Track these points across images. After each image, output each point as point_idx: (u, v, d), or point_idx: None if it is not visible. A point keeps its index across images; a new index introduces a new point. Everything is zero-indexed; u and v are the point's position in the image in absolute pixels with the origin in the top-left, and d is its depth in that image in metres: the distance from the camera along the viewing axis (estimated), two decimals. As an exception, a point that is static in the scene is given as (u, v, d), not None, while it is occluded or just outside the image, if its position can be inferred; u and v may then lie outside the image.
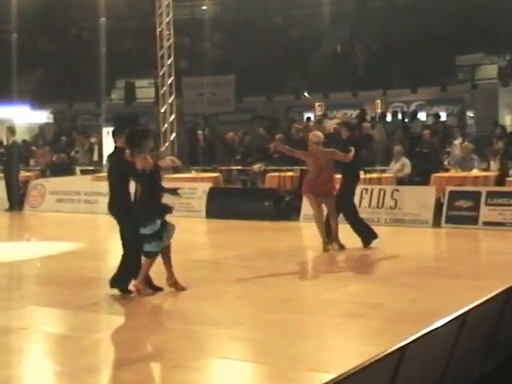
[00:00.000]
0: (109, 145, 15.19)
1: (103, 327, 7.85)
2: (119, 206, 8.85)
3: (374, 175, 16.21)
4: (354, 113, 25.86)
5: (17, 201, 18.38)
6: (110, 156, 9.42)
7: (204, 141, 22.90)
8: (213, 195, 16.23)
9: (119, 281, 8.91)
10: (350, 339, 7.00)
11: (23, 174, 19.83)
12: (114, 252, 9.95)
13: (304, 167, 14.44)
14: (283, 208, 15.59)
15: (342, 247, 11.75)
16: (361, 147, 12.56)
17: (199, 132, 23.68)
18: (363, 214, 13.67)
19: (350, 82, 27.63)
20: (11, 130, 18.94)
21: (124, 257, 8.94)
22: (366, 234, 11.92)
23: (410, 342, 5.41)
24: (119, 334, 7.44)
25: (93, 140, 23.50)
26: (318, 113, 26.21)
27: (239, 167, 19.83)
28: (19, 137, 21.21)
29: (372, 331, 7.19)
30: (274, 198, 15.68)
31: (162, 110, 21.69)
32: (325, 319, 7.73)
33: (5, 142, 18.80)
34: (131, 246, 8.82)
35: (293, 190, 16.01)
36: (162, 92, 21.83)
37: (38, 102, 31.77)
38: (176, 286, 9.02)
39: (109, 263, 10.24)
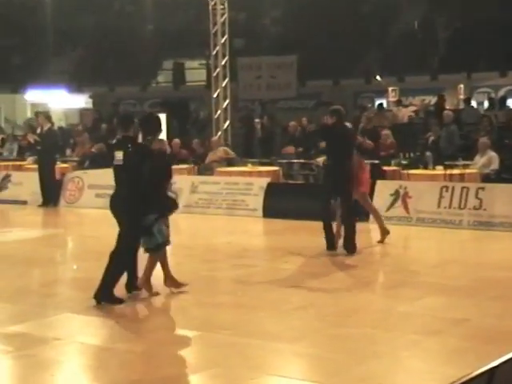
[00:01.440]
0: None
1: (145, 339, 7.87)
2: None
3: (456, 171, 16.00)
4: (433, 99, 25.59)
5: (52, 195, 18.52)
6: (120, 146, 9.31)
7: (261, 130, 22.92)
8: (271, 192, 16.21)
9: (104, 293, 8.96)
10: (427, 359, 6.92)
11: (59, 165, 19.96)
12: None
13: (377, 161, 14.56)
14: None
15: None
16: (338, 137, 12.13)
17: (256, 120, 23.70)
18: (442, 215, 13.49)
19: (429, 63, 27.34)
20: (46, 116, 19.04)
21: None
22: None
23: (500, 365, 5.28)
24: (163, 348, 7.44)
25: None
26: (392, 99, 26.00)
27: (301, 160, 19.76)
28: (55, 123, 21.40)
29: (453, 350, 7.10)
30: (340, 196, 15.53)
31: (215, 95, 21.77)
32: (399, 335, 7.65)
33: (39, 130, 18.88)
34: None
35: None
36: (214, 74, 21.92)
37: (75, 84, 32.21)
38: (175, 285, 9.35)
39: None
